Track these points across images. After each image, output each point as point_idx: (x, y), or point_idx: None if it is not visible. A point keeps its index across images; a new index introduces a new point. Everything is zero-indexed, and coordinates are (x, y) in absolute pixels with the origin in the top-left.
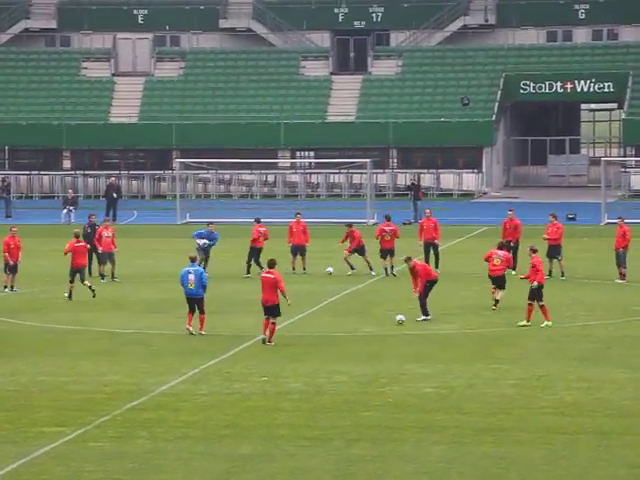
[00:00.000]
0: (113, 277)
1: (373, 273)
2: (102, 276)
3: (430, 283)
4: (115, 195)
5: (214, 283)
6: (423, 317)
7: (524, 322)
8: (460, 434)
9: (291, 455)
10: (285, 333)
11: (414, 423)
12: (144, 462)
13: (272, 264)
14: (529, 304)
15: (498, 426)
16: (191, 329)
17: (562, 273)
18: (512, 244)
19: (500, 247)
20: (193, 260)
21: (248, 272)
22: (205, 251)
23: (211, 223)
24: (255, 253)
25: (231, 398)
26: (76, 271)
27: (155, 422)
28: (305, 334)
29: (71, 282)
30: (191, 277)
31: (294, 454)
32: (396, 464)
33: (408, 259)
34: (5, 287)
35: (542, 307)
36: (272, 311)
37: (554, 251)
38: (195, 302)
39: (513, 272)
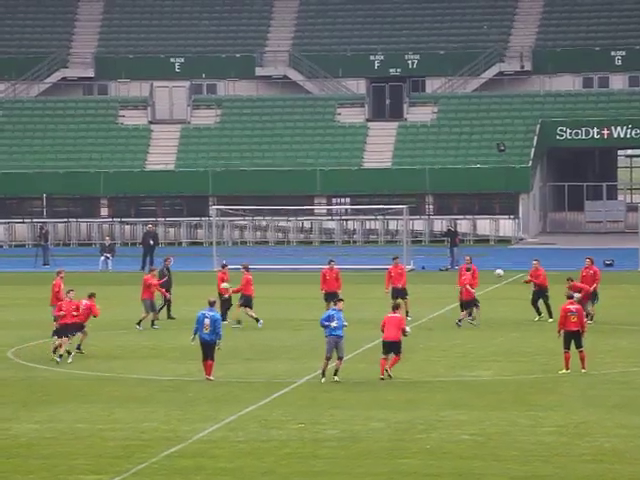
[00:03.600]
0: (152, 324)
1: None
2: (139, 323)
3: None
4: (152, 242)
5: (249, 331)
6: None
7: (563, 370)
8: None
9: None
10: (321, 380)
11: (451, 470)
12: None
13: (397, 306)
14: (565, 352)
15: (535, 474)
16: (212, 378)
17: (591, 317)
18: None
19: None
20: (212, 304)
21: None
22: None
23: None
24: (224, 304)
25: (268, 445)
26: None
27: (192, 469)
28: (342, 380)
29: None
30: (207, 322)
31: None
32: None
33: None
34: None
35: (581, 353)
36: (396, 347)
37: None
38: (208, 348)
39: (550, 320)
